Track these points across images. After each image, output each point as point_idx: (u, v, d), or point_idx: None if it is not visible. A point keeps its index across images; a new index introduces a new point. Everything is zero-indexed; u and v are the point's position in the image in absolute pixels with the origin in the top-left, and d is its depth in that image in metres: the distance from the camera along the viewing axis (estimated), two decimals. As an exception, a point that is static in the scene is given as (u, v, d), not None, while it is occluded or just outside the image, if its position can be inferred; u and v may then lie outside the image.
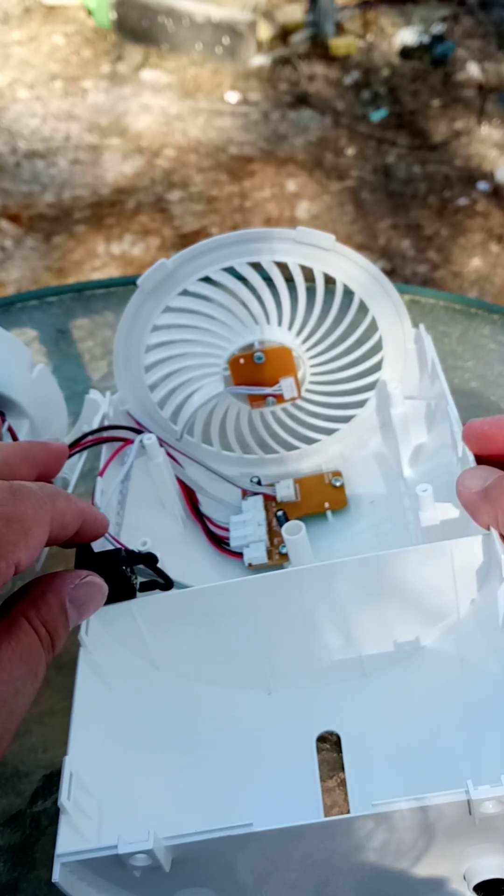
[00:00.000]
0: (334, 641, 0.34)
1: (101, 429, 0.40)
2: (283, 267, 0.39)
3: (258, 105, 1.96)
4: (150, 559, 0.33)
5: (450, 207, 1.66)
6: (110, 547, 0.33)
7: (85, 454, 0.39)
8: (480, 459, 0.34)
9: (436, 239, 1.59)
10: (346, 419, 0.43)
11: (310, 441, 0.44)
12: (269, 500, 0.42)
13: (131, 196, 1.72)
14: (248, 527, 0.41)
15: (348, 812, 0.30)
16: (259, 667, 0.34)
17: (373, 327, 0.41)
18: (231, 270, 0.39)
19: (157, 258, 0.38)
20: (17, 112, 1.97)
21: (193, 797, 0.31)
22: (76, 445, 0.38)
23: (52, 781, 0.35)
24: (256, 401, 0.41)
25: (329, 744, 0.33)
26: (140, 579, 0.33)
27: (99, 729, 0.30)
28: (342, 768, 0.32)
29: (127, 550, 0.32)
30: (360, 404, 0.43)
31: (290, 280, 0.39)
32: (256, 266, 0.39)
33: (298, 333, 0.40)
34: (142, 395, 0.41)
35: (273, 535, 0.40)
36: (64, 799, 0.26)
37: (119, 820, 0.28)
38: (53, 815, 0.26)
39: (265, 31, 2.11)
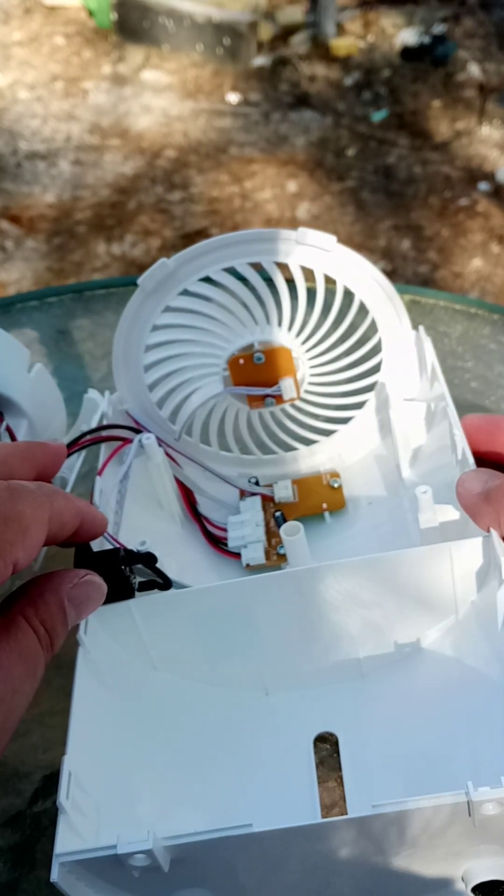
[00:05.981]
0: (332, 642, 0.34)
1: (100, 428, 0.39)
2: (283, 268, 0.39)
3: (259, 106, 1.96)
4: (148, 559, 0.33)
5: (450, 208, 1.66)
6: (109, 546, 0.33)
7: (84, 454, 0.39)
8: (481, 461, 0.34)
9: (436, 239, 1.59)
10: (345, 420, 0.43)
11: (308, 442, 0.44)
12: (267, 500, 0.42)
13: (132, 197, 1.72)
14: (245, 527, 0.41)
15: (347, 813, 0.30)
16: (257, 667, 0.34)
17: (373, 329, 0.41)
18: (232, 271, 0.39)
19: (157, 259, 0.38)
20: (18, 113, 1.97)
21: (191, 797, 0.31)
22: (74, 445, 0.38)
23: (52, 782, 0.35)
24: (255, 401, 0.41)
25: (328, 744, 0.33)
26: (139, 579, 0.33)
27: (97, 728, 0.30)
28: (340, 769, 0.32)
29: (126, 550, 0.32)
30: (360, 406, 0.43)
31: (290, 281, 0.39)
32: (257, 266, 0.39)
33: (298, 334, 0.40)
34: (141, 395, 0.41)
35: (271, 535, 0.40)
36: (62, 799, 0.26)
37: (117, 820, 0.28)
38: (53, 815, 0.26)
39: (266, 32, 2.11)
